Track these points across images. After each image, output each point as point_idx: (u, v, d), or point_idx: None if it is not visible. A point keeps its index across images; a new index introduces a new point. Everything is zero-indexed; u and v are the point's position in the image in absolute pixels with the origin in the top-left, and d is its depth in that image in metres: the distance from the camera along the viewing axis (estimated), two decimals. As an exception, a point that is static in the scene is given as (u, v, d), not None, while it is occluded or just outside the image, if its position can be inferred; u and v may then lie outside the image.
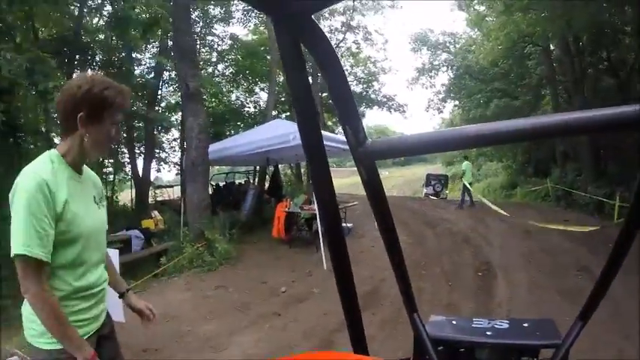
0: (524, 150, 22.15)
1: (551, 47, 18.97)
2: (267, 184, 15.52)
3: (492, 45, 20.82)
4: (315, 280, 8.14)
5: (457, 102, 24.93)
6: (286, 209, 10.85)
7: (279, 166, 17.28)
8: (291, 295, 7.46)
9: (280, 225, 10.77)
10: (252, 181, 17.24)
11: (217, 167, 20.33)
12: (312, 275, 8.44)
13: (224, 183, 18.61)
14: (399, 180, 46.61)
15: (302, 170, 21.18)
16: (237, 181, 19.42)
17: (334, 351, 1.95)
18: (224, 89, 21.83)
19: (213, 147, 11.67)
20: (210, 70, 21.00)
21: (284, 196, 12.98)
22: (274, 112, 20.16)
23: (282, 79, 18.20)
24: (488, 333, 1.41)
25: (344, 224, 10.98)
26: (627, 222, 0.80)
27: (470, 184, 16.37)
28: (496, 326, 1.45)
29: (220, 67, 21.99)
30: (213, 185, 16.18)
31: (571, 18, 12.36)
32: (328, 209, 0.80)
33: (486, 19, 21.92)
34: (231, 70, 22.01)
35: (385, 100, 26.73)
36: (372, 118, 33.71)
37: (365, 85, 26.61)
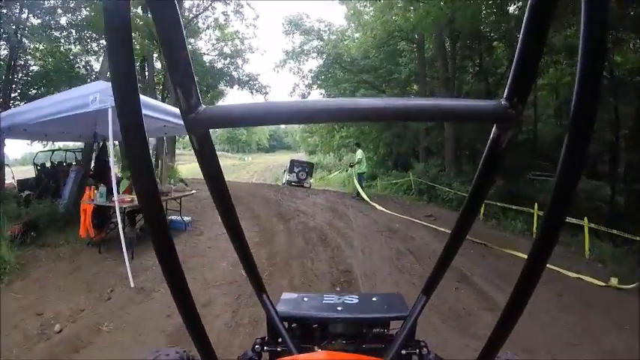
0: (386, 143, 21.42)
1: (426, 46, 18.42)
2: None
3: (366, 36, 19.69)
4: (113, 305, 5.55)
5: (323, 90, 23.04)
6: (92, 200, 7.87)
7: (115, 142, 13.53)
8: (67, 337, 4.71)
9: (88, 221, 8.01)
10: (76, 161, 13.44)
11: (44, 143, 16.06)
12: (113, 298, 5.81)
13: (51, 163, 14.25)
14: (260, 166, 44.43)
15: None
16: (66, 162, 15.19)
17: (334, 351, 1.26)
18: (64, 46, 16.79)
19: (6, 113, 9.05)
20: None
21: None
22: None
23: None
24: (339, 308, 1.42)
25: (179, 217, 9.55)
26: (466, 206, 0.77)
27: (362, 173, 15.57)
28: (346, 301, 1.48)
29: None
30: (38, 166, 13.34)
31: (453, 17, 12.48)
32: (149, 200, 0.63)
33: (364, 15, 21.54)
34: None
35: (247, 79, 23.77)
36: (231, 99, 29.74)
37: (227, 61, 23.67)
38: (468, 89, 16.56)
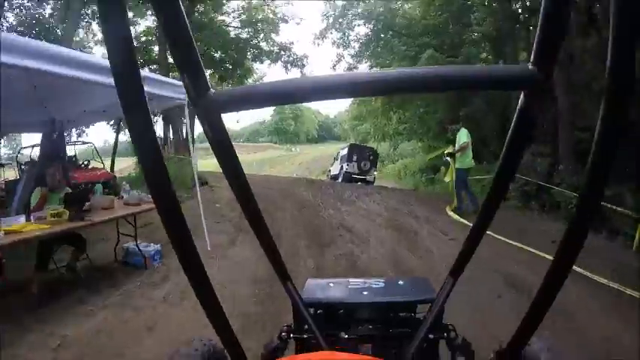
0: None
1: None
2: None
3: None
4: None
5: (373, 60, 18.15)
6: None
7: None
8: None
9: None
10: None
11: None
12: None
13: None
14: (307, 157, 40.57)
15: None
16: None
17: (335, 352, 1.09)
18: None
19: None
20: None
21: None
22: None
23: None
24: (364, 293, 1.38)
25: (140, 246, 5.82)
26: (493, 187, 0.74)
27: (468, 169, 8.66)
28: (372, 286, 1.43)
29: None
30: (22, 165, 10.73)
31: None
32: (162, 194, 0.58)
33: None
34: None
35: (279, 50, 19.06)
36: (262, 76, 23.07)
37: (253, 30, 18.74)
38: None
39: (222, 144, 0.64)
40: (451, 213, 8.47)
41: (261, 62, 19.48)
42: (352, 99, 26.04)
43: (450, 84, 0.57)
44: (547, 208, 8.88)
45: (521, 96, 0.55)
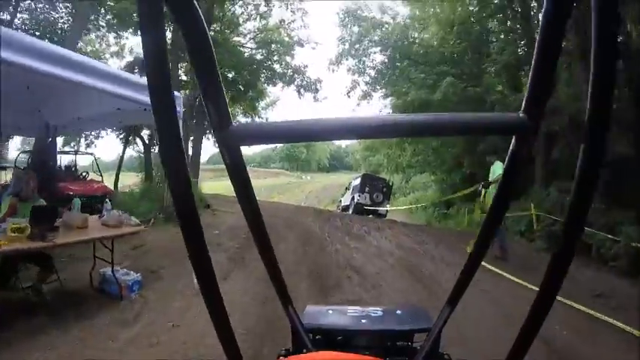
0: (473, 158, 15.25)
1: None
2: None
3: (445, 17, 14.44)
4: None
5: (391, 88, 17.41)
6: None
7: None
8: None
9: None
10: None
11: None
12: None
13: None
14: (317, 186, 39.81)
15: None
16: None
17: (334, 352, 0.86)
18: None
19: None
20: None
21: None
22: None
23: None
24: (363, 321, 1.40)
25: (119, 273, 5.13)
26: (489, 215, 0.77)
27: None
28: (371, 314, 1.45)
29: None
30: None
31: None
32: (181, 191, 0.57)
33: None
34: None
35: (292, 73, 18.32)
36: (275, 100, 24.12)
37: (266, 51, 18.19)
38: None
39: (238, 173, 0.67)
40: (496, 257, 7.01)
41: (274, 85, 18.84)
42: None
43: (448, 130, 0.67)
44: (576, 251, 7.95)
45: (513, 140, 0.59)
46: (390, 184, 18.03)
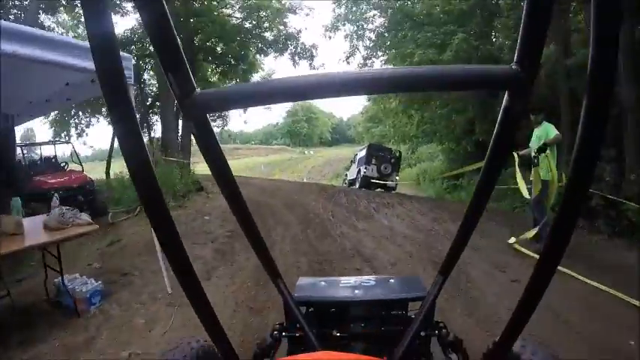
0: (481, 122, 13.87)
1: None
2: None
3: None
4: None
5: (395, 50, 15.79)
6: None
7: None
8: None
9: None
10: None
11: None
12: None
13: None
14: (319, 161, 38.67)
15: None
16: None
17: (333, 352, 0.95)
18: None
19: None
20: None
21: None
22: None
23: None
24: (356, 291, 1.38)
25: (65, 284, 4.06)
26: (480, 182, 0.76)
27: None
28: (364, 284, 1.42)
29: None
30: None
31: None
32: (142, 174, 0.55)
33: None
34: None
35: (284, 39, 16.52)
36: (270, 73, 20.66)
37: (256, 18, 16.14)
38: None
39: (209, 143, 0.64)
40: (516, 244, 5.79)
41: (266, 55, 17.21)
42: (367, 98, 24.11)
43: (434, 84, 0.58)
44: (618, 230, 6.77)
45: (505, 96, 0.55)
46: (400, 154, 16.78)
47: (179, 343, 1.27)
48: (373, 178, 14.74)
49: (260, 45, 16.51)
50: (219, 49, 16.36)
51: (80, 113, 17.76)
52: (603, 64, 0.46)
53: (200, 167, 15.28)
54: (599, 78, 0.46)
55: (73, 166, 10.35)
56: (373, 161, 15.05)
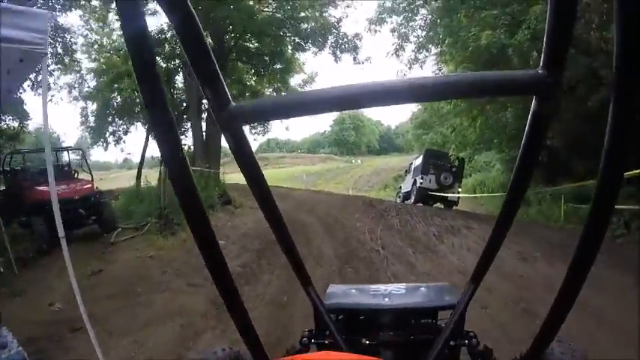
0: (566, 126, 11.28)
1: None
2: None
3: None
4: None
5: (444, 46, 13.45)
6: None
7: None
8: None
9: None
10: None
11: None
12: None
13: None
14: (367, 170, 36.49)
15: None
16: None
17: (334, 352, 1.06)
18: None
19: None
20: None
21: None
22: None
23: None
24: (386, 299, 1.34)
25: None
26: (509, 195, 0.75)
27: None
28: (394, 292, 1.40)
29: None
30: (8, 174, 8.31)
31: None
32: (178, 172, 0.55)
33: None
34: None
35: (323, 32, 14.15)
36: (313, 75, 17.38)
37: (288, 8, 13.88)
38: None
39: (244, 155, 0.64)
40: None
41: (304, 51, 15.10)
42: (416, 104, 21.86)
43: (463, 91, 0.62)
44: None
45: (534, 101, 0.54)
46: (462, 160, 14.42)
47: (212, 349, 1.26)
48: (431, 190, 12.62)
49: (296, 40, 14.59)
50: (252, 46, 14.81)
51: (117, 119, 16.81)
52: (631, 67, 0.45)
53: (231, 177, 13.93)
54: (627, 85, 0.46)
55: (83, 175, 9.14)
56: (431, 170, 12.92)
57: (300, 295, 4.15)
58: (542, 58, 0.49)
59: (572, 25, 0.48)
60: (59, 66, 14.01)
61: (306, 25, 14.12)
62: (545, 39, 0.48)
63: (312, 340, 1.29)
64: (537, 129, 0.57)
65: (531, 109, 0.54)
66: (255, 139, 19.90)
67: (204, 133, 13.53)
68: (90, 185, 8.08)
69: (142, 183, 12.11)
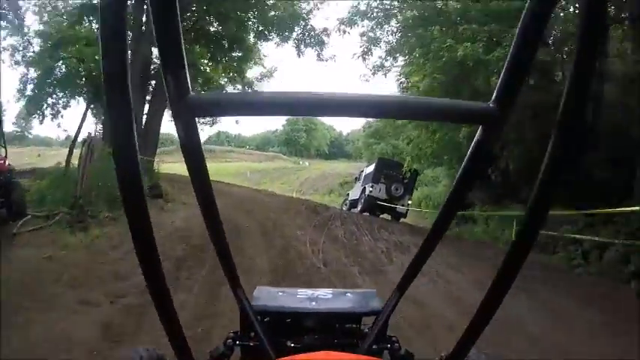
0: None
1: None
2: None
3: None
4: None
5: (431, 44, 12.98)
6: None
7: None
8: None
9: None
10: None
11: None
12: None
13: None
14: (315, 173, 35.85)
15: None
16: None
17: (334, 352, 0.87)
18: None
19: None
20: None
21: None
22: None
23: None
24: (312, 303, 1.33)
25: None
26: (444, 208, 0.76)
27: None
28: (320, 296, 1.38)
29: None
30: None
31: None
32: (126, 156, 0.52)
33: None
34: None
35: (290, 22, 13.25)
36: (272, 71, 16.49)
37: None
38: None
39: (192, 147, 0.60)
40: None
41: (267, 40, 14.03)
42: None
43: (416, 114, 0.64)
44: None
45: (479, 129, 0.56)
46: (417, 172, 13.99)
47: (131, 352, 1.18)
48: (380, 200, 12.13)
49: (260, 27, 13.62)
50: (212, 29, 13.69)
51: (58, 91, 14.74)
52: (581, 78, 0.47)
53: (170, 166, 12.66)
54: (576, 93, 0.48)
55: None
56: (382, 180, 12.46)
57: (221, 325, 3.25)
58: (495, 91, 0.50)
59: (530, 64, 0.50)
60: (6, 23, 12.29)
61: (273, 13, 13.14)
62: (501, 75, 0.50)
63: (237, 342, 1.21)
64: (478, 155, 0.58)
65: (476, 136, 0.56)
66: (202, 129, 18.46)
67: (145, 116, 12.53)
68: (1, 161, 6.72)
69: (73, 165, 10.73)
